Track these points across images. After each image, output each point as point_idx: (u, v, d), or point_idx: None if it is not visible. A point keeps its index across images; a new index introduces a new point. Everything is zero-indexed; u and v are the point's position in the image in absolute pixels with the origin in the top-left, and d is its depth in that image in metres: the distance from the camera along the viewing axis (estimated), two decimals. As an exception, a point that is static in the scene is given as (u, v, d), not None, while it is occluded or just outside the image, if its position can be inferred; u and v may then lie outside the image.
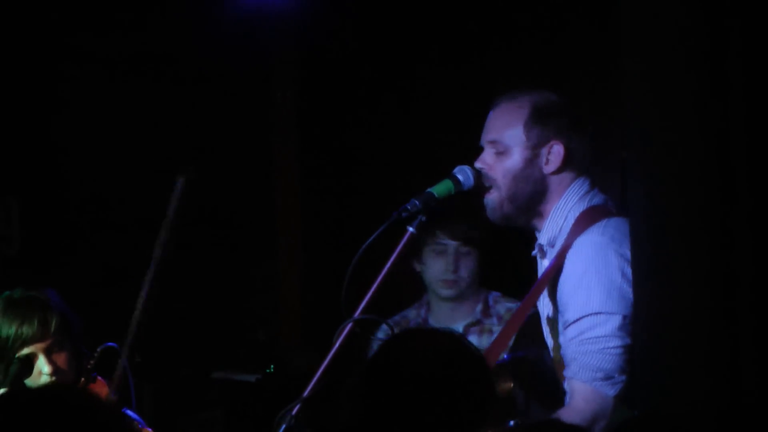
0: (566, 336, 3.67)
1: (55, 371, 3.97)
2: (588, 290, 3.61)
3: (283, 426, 3.50)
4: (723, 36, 3.13)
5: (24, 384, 3.97)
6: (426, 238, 5.03)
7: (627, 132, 3.34)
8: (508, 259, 4.77)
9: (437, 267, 5.08)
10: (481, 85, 3.97)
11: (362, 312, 3.64)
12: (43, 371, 3.96)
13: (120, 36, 5.82)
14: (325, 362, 3.58)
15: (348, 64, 5.79)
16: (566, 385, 3.68)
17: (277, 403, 3.60)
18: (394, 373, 2.86)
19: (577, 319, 3.63)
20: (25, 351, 3.96)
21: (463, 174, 3.81)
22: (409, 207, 3.71)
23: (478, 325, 5.10)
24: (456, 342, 2.95)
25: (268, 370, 5.59)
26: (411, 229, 3.71)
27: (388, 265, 3.68)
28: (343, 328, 3.62)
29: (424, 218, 3.71)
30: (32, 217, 5.76)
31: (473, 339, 4.89)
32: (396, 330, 4.99)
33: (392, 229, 3.70)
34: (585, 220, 3.71)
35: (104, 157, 5.78)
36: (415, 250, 5.06)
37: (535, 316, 3.98)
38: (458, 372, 2.87)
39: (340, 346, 3.60)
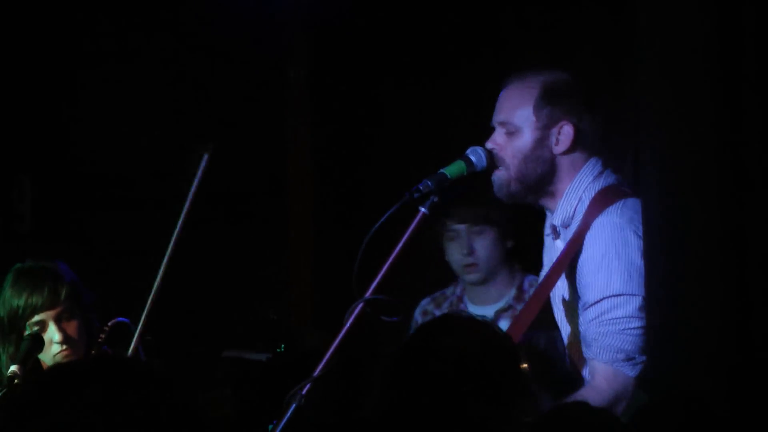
0: (586, 317, 3.66)
1: (66, 340, 3.97)
2: (608, 272, 3.60)
3: (294, 405, 3.50)
4: (737, 20, 3.12)
5: (36, 359, 3.97)
6: (438, 227, 4.98)
7: (639, 115, 3.33)
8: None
9: (454, 253, 5.02)
10: (496, 65, 3.96)
11: (373, 292, 3.64)
12: (53, 339, 3.96)
13: (134, 14, 5.81)
14: (336, 342, 3.58)
15: (361, 43, 5.78)
16: (586, 367, 3.67)
17: (287, 383, 3.60)
18: (428, 361, 2.86)
19: (598, 301, 3.63)
20: (36, 318, 3.96)
21: (475, 155, 3.80)
22: (421, 187, 3.70)
23: (509, 311, 4.99)
24: (491, 334, 2.94)
25: (278, 350, 5.59)
26: (423, 209, 3.70)
27: (400, 245, 3.67)
28: (354, 308, 3.61)
29: (436, 199, 3.70)
30: (44, 195, 5.77)
31: (504, 324, 4.85)
32: (432, 309, 5.06)
33: (405, 209, 3.70)
34: (601, 201, 3.69)
35: (116, 135, 5.78)
36: (434, 241, 5.02)
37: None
38: (492, 366, 2.86)
39: (350, 326, 3.59)
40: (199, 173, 4.03)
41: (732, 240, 3.13)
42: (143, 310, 4.00)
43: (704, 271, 3.18)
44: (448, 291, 5.17)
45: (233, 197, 5.95)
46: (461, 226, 4.97)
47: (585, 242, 3.67)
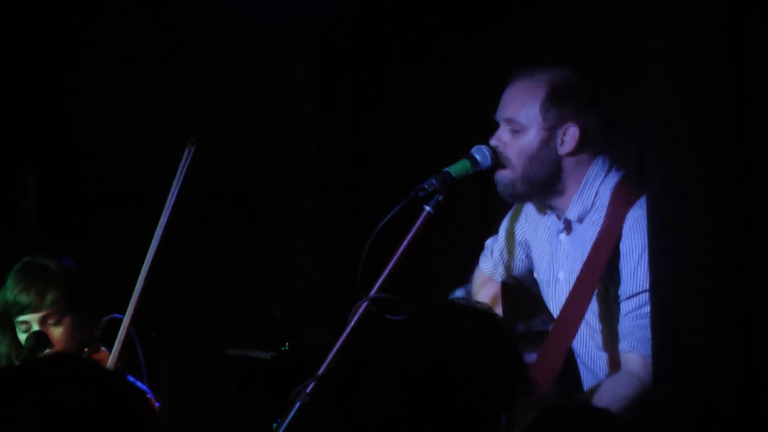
0: (621, 309, 3.67)
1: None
2: (647, 266, 3.59)
3: (298, 403, 3.50)
4: (741, 18, 3.12)
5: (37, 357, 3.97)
6: None
7: (644, 114, 3.32)
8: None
9: None
10: (500, 62, 3.95)
11: (378, 291, 3.64)
12: None
13: (139, 12, 5.82)
14: (340, 340, 3.58)
15: (366, 41, 5.78)
16: (620, 358, 3.67)
17: (291, 381, 3.60)
18: (425, 353, 2.83)
19: (636, 294, 3.64)
20: (21, 318, 3.97)
21: (480, 153, 3.80)
22: (426, 186, 3.70)
23: None
24: (488, 320, 2.92)
25: (283, 348, 5.60)
26: (428, 208, 3.70)
27: (405, 244, 3.67)
28: (359, 307, 3.61)
29: (440, 197, 3.70)
30: (49, 192, 5.77)
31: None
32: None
33: (410, 207, 3.70)
34: (626, 194, 3.69)
35: (120, 133, 5.79)
36: None
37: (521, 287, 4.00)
38: (489, 353, 2.84)
39: (355, 324, 3.59)
40: (183, 168, 4.03)
41: (737, 239, 3.13)
42: (128, 305, 3.98)
43: (709, 270, 3.17)
44: None
45: (238, 195, 5.95)
46: None
47: (624, 235, 3.67)
